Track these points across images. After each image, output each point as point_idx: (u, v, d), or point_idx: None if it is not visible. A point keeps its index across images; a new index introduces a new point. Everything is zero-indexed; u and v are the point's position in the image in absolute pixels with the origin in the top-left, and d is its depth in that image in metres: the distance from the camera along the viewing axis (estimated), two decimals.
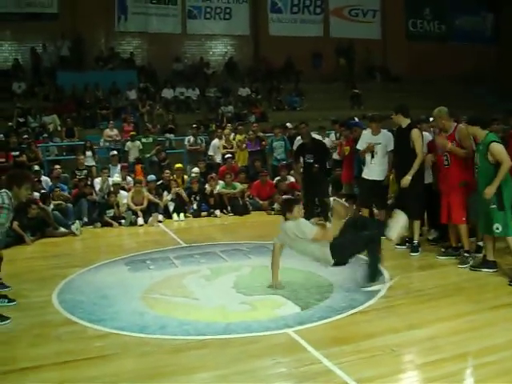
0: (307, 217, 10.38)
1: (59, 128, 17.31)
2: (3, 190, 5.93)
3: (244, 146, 14.46)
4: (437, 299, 6.02)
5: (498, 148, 6.50)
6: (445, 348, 4.63)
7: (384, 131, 8.81)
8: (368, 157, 8.73)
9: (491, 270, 6.85)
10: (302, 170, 10.42)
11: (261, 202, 12.55)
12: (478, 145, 6.78)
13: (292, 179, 12.58)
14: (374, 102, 20.13)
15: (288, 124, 11.21)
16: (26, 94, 19.30)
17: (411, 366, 4.45)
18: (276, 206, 12.04)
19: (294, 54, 23.58)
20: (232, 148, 14.44)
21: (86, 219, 11.48)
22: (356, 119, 10.73)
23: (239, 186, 12.65)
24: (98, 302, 6.31)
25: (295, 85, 23.02)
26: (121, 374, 4.42)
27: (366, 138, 8.83)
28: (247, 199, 12.64)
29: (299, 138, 11.05)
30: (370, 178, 8.72)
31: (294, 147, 11.30)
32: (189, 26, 23.89)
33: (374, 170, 8.69)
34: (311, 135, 10.66)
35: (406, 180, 7.84)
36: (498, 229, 6.47)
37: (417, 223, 8.16)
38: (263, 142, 14.57)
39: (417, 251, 8.09)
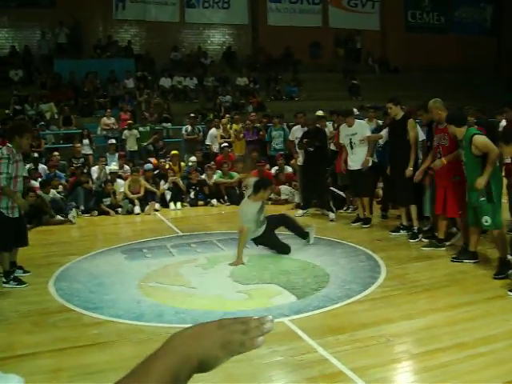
0: (304, 206, 10.52)
1: (56, 116, 17.26)
2: (3, 147, 6.30)
3: (241, 135, 14.44)
4: (433, 290, 6.03)
5: (480, 139, 6.48)
6: (440, 338, 4.65)
7: (358, 121, 9.48)
8: (348, 148, 9.38)
9: (472, 261, 6.92)
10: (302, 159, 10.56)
11: None
12: (461, 141, 6.75)
13: (290, 169, 12.57)
14: (373, 93, 20.11)
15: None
16: (23, 81, 19.19)
17: (406, 356, 4.46)
18: (273, 195, 12.04)
19: (293, 44, 23.52)
20: (229, 138, 14.41)
21: (82, 207, 11.48)
22: (355, 111, 10.70)
23: (236, 176, 12.64)
24: (94, 290, 6.32)
25: (293, 75, 22.96)
26: (117, 362, 4.42)
27: (344, 131, 9.47)
28: (244, 189, 12.63)
29: (297, 127, 11.04)
30: (354, 169, 9.33)
31: (291, 137, 11.29)
32: (187, 14, 23.77)
33: (356, 159, 9.30)
34: (315, 123, 10.69)
35: (409, 171, 8.07)
36: (486, 222, 6.44)
37: (413, 208, 8.33)
38: (261, 133, 14.51)
39: (416, 237, 8.22)
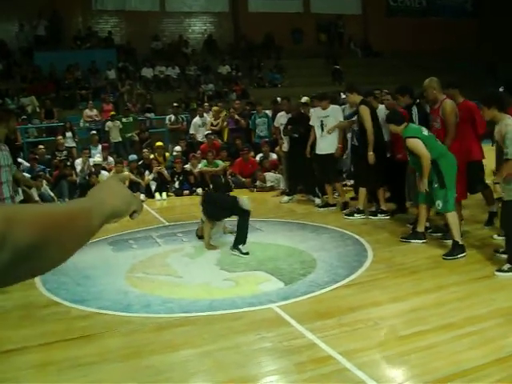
0: (289, 193, 10.51)
1: (38, 109, 17.09)
2: None
3: (225, 123, 14.39)
4: (419, 272, 6.07)
5: (411, 143, 6.65)
6: (428, 319, 4.68)
7: (333, 106, 9.45)
8: (318, 130, 9.36)
9: (420, 241, 7.08)
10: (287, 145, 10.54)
11: (243, 179, 12.52)
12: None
13: (274, 156, 12.55)
14: (355, 78, 20.09)
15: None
16: (2, 74, 18.96)
17: (394, 338, 4.48)
18: (258, 183, 12.03)
19: (274, 31, 23.45)
20: (218, 125, 14.31)
21: (67, 200, 11.40)
22: (342, 95, 10.70)
23: (221, 164, 12.60)
24: (81, 283, 6.29)
25: (276, 61, 22.90)
26: (105, 354, 4.41)
27: (316, 113, 9.50)
28: (229, 177, 12.61)
29: (281, 113, 11.01)
30: (323, 153, 9.33)
31: (276, 123, 11.26)
32: (167, 3, 23.60)
33: (325, 142, 9.30)
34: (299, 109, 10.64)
35: (370, 156, 8.30)
36: (439, 205, 6.56)
37: (381, 191, 8.70)
38: (242, 121, 14.40)
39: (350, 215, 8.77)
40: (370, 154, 8.28)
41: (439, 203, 6.51)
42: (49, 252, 0.92)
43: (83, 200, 1.10)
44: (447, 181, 6.46)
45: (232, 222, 7.77)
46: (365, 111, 8.40)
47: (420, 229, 7.12)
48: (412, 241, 7.13)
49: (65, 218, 0.97)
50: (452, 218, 6.48)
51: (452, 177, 6.52)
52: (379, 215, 8.70)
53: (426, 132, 6.77)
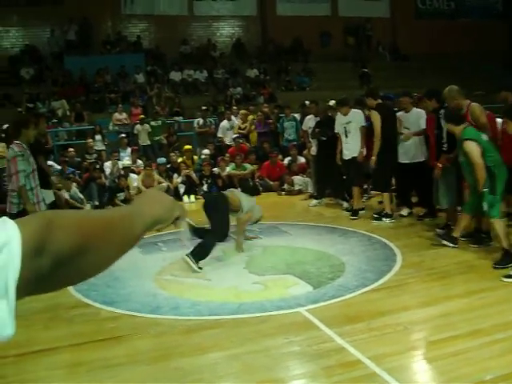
0: (318, 196, 10.49)
1: (68, 113, 17.32)
2: (12, 145, 6.25)
3: (253, 127, 14.42)
4: (449, 277, 6.01)
5: (469, 147, 6.44)
6: (457, 325, 4.63)
7: (354, 110, 9.41)
8: (342, 136, 9.38)
9: (451, 245, 7.00)
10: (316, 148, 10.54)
11: (271, 182, 12.53)
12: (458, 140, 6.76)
13: (303, 160, 12.53)
14: (384, 81, 19.98)
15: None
16: (34, 79, 19.26)
17: (423, 343, 4.45)
18: (286, 186, 12.03)
19: (302, 34, 23.38)
20: (245, 129, 14.36)
21: (96, 202, 11.53)
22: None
23: (249, 167, 12.62)
24: (111, 284, 6.34)
25: (304, 65, 22.87)
26: (134, 355, 4.45)
27: (339, 120, 9.50)
28: (257, 180, 12.63)
29: (310, 116, 11.01)
30: (348, 158, 9.34)
31: (304, 126, 11.26)
32: (195, 7, 23.69)
33: (350, 148, 9.30)
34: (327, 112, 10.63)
35: (372, 160, 8.66)
36: (485, 207, 6.42)
37: (386, 195, 8.85)
38: (270, 121, 14.45)
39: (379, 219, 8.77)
40: (373, 158, 8.60)
41: (485, 206, 6.38)
42: (89, 259, 0.91)
43: (124, 208, 1.12)
44: (498, 188, 6.36)
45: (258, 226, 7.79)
46: (375, 116, 8.60)
47: (456, 234, 7.01)
48: (444, 242, 7.04)
49: (105, 224, 0.97)
50: (498, 225, 6.37)
51: (503, 185, 6.42)
52: (384, 219, 8.73)
53: (485, 137, 6.60)
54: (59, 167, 12.42)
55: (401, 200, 9.30)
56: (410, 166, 8.57)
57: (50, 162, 12.55)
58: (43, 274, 0.82)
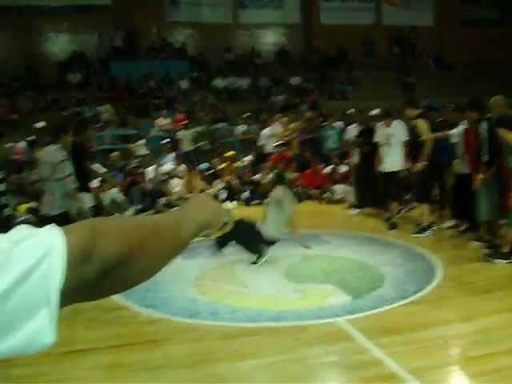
0: (359, 206, 10.43)
1: (112, 117, 17.59)
2: (53, 149, 6.26)
3: (294, 135, 14.42)
4: (490, 291, 5.90)
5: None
6: (498, 341, 4.54)
7: (396, 121, 9.20)
8: (384, 147, 9.17)
9: (505, 261, 6.78)
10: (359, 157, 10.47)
11: (312, 191, 12.50)
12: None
13: (344, 168, 12.48)
14: (428, 91, 19.77)
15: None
16: (81, 84, 19.68)
17: (463, 358, 4.39)
18: (327, 194, 11.99)
19: (346, 43, 23.35)
20: (287, 136, 14.36)
21: (139, 206, 11.67)
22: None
23: (291, 175, 12.60)
24: (150, 288, 6.40)
25: (347, 73, 22.79)
26: (172, 359, 4.50)
27: (381, 130, 9.27)
28: (298, 188, 12.60)
29: (353, 125, 10.98)
30: (387, 171, 9.09)
31: (347, 135, 11.24)
32: (240, 15, 23.91)
33: (388, 161, 9.08)
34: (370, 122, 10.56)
35: (416, 167, 8.52)
36: None
37: (426, 207, 8.73)
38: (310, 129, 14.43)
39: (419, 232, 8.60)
40: (419, 164, 8.43)
41: None
42: (135, 267, 0.90)
43: (171, 213, 1.13)
44: None
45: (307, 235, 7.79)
46: (421, 123, 8.45)
47: (506, 249, 6.86)
48: (496, 260, 6.84)
49: (152, 230, 0.96)
50: None
51: None
52: (424, 231, 8.60)
53: None
54: (105, 170, 12.61)
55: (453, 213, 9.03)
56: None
57: (95, 165, 12.79)
58: (88, 283, 0.81)
